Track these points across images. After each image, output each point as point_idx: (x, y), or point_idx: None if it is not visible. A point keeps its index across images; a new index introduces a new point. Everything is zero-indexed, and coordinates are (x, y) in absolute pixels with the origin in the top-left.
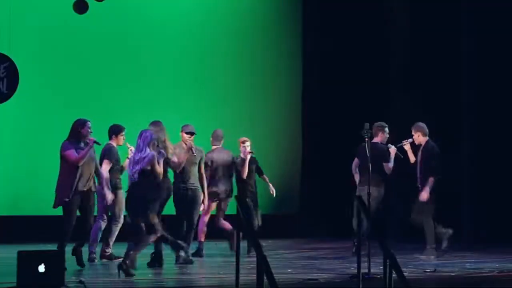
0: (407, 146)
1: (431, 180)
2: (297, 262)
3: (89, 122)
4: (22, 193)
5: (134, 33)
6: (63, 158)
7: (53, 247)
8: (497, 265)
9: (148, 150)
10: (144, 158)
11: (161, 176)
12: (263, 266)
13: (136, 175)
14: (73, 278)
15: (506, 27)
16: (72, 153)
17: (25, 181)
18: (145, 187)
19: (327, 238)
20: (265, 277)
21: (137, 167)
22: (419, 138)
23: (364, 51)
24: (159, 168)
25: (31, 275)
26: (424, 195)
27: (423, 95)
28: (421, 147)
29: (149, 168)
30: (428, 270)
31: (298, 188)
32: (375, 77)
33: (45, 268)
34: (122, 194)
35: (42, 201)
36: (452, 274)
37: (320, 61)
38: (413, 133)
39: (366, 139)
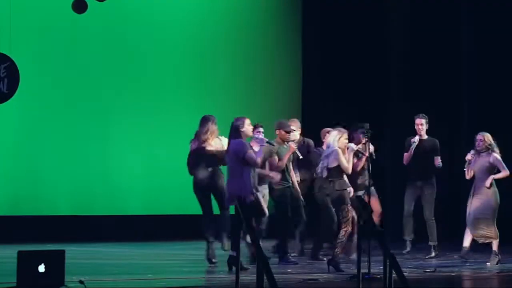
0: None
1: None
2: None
3: (247, 120)
4: (22, 193)
5: (134, 32)
6: (244, 159)
7: (53, 247)
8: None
9: (333, 146)
10: (329, 155)
11: (348, 170)
12: (263, 266)
13: (324, 171)
14: (74, 278)
15: (506, 26)
16: (253, 155)
17: (25, 181)
18: (334, 182)
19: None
20: (265, 277)
21: (324, 163)
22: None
23: (365, 50)
24: (345, 163)
25: (31, 275)
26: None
27: (423, 94)
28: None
29: (335, 164)
30: (428, 270)
31: None
32: (375, 76)
33: (45, 268)
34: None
35: (42, 201)
36: (452, 274)
37: (321, 60)
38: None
39: (366, 139)
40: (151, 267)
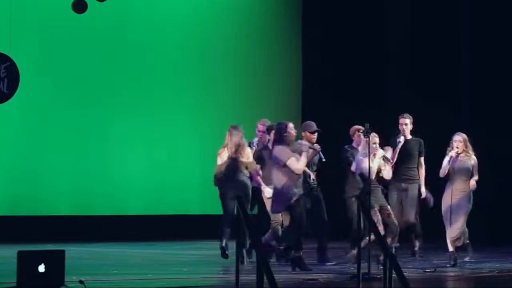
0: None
1: None
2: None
3: (291, 124)
4: (22, 193)
5: (134, 32)
6: (286, 167)
7: (53, 247)
8: (497, 265)
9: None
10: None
11: (372, 176)
12: (263, 266)
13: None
14: (74, 278)
15: (506, 24)
16: (295, 162)
17: (25, 181)
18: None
19: None
20: (265, 277)
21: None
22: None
23: (365, 51)
24: (367, 170)
25: (31, 275)
26: None
27: (423, 94)
28: None
29: (359, 172)
30: (428, 270)
31: None
32: (375, 77)
33: (45, 268)
34: None
35: (42, 201)
36: (452, 274)
37: (321, 60)
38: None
39: (366, 139)
40: (151, 267)
